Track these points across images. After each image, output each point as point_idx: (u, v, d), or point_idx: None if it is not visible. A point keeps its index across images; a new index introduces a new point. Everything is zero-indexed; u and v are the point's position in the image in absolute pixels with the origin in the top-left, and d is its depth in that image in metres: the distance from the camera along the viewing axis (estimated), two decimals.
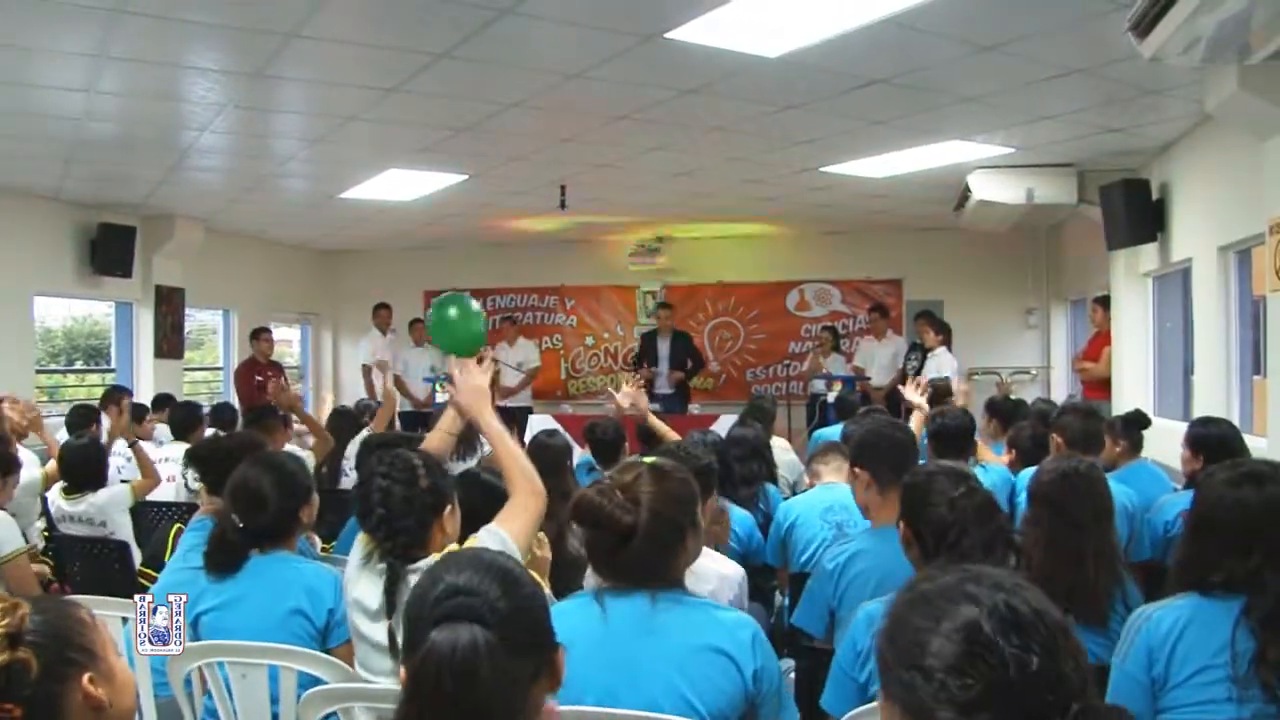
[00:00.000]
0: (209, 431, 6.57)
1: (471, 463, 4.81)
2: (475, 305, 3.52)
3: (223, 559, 3.04)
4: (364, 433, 6.02)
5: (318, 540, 4.61)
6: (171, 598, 2.54)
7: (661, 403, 10.73)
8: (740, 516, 4.39)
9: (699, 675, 2.20)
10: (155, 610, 2.50)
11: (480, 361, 3.08)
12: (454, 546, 2.66)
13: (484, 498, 3.06)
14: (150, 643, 2.49)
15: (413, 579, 2.52)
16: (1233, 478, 2.43)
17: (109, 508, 4.98)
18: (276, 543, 3.09)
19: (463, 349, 3.22)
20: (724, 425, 6.80)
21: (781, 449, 6.25)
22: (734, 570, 3.01)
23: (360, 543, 2.79)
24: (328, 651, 2.93)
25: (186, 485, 4.00)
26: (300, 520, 3.18)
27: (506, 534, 2.62)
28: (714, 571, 2.91)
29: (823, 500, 4.22)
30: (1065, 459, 3.27)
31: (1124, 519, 3.97)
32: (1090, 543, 2.97)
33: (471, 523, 2.91)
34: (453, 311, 3.36)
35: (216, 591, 3.02)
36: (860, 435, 3.66)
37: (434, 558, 2.55)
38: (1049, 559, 2.94)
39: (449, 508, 2.78)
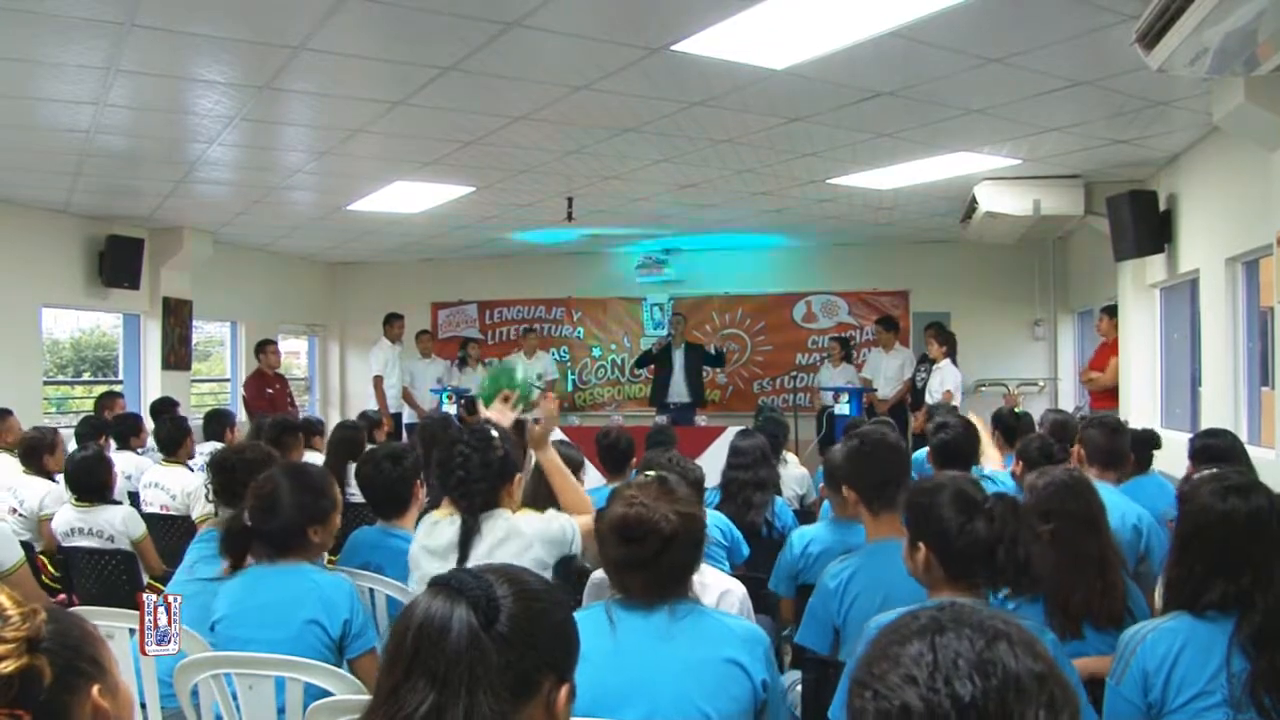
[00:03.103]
0: (210, 444, 6.53)
1: None
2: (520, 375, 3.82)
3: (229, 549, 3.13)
4: None
5: (325, 554, 4.60)
6: (169, 597, 2.55)
7: (677, 413, 10.79)
8: (714, 516, 4.33)
9: (713, 684, 2.24)
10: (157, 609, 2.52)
11: (506, 400, 3.56)
12: (526, 509, 3.14)
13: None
14: (156, 644, 2.51)
15: (485, 525, 3.01)
16: (1218, 490, 2.39)
17: (126, 531, 4.99)
18: (286, 555, 3.06)
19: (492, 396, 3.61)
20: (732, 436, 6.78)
21: (793, 463, 6.24)
22: (736, 586, 3.01)
23: (427, 519, 3.22)
24: (348, 663, 2.92)
25: (207, 498, 3.99)
26: (310, 539, 3.11)
27: (577, 527, 3.13)
28: (716, 587, 2.92)
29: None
30: (1044, 472, 3.22)
31: (1132, 532, 3.94)
32: (1106, 543, 2.97)
33: None
34: (502, 379, 3.76)
35: (231, 601, 3.02)
36: (844, 454, 3.55)
37: (504, 510, 3.08)
38: (1071, 570, 2.91)
39: (518, 477, 3.18)
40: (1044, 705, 1.08)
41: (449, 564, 2.85)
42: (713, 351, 11.75)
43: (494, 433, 3.14)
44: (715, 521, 4.32)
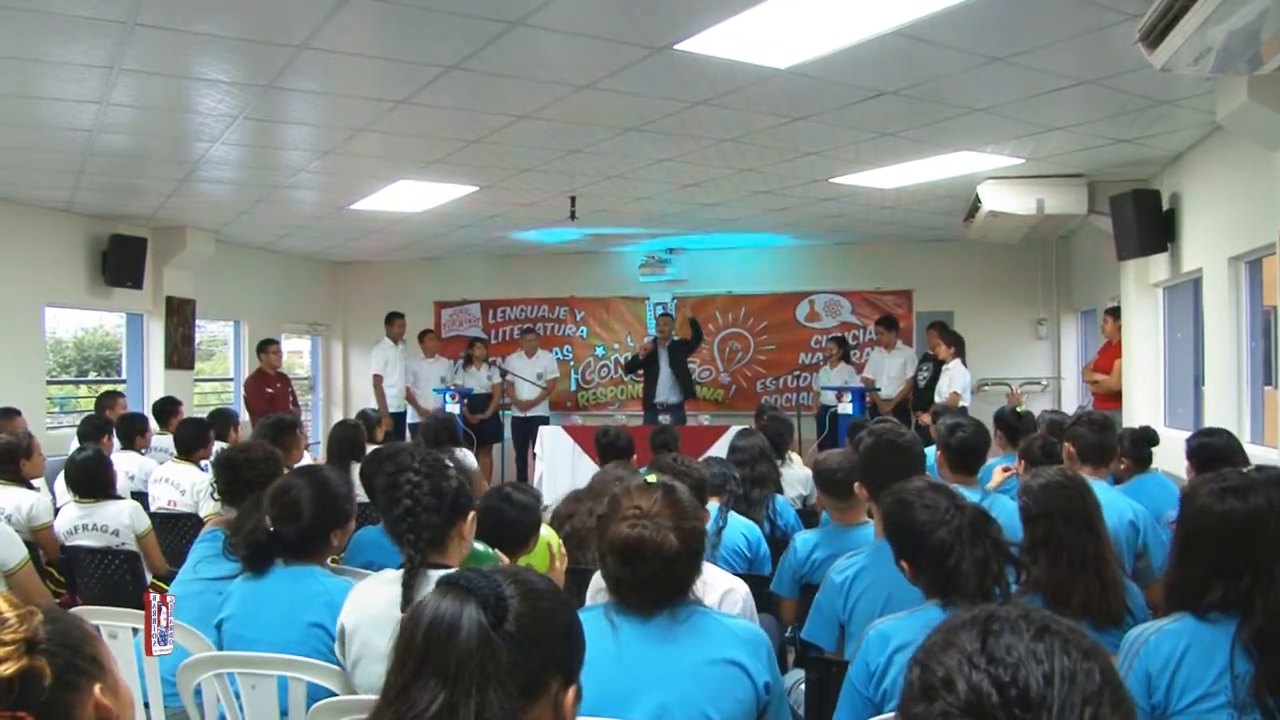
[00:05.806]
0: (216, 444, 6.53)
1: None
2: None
3: (258, 560, 3.08)
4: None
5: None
6: (169, 598, 2.55)
7: (671, 413, 10.78)
8: (747, 526, 4.37)
9: (717, 685, 2.24)
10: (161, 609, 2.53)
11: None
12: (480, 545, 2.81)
13: (519, 514, 3.35)
14: (159, 644, 2.52)
15: (433, 577, 2.47)
16: (1216, 490, 2.37)
17: (131, 525, 5.00)
18: (301, 558, 3.08)
19: None
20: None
21: (796, 463, 6.25)
22: (739, 585, 3.01)
23: (371, 580, 2.83)
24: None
25: (213, 496, 4.00)
26: (330, 542, 3.16)
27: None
28: (719, 586, 2.92)
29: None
30: (1038, 472, 3.21)
31: (1128, 528, 3.95)
32: (1103, 543, 2.96)
33: (504, 537, 3.10)
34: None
35: (240, 600, 3.04)
36: (858, 451, 3.67)
37: (452, 565, 2.63)
38: (1069, 571, 2.91)
39: (471, 515, 2.81)
40: (1091, 699, 1.08)
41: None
42: (691, 335, 11.66)
43: (449, 462, 2.79)
44: (745, 530, 4.32)
